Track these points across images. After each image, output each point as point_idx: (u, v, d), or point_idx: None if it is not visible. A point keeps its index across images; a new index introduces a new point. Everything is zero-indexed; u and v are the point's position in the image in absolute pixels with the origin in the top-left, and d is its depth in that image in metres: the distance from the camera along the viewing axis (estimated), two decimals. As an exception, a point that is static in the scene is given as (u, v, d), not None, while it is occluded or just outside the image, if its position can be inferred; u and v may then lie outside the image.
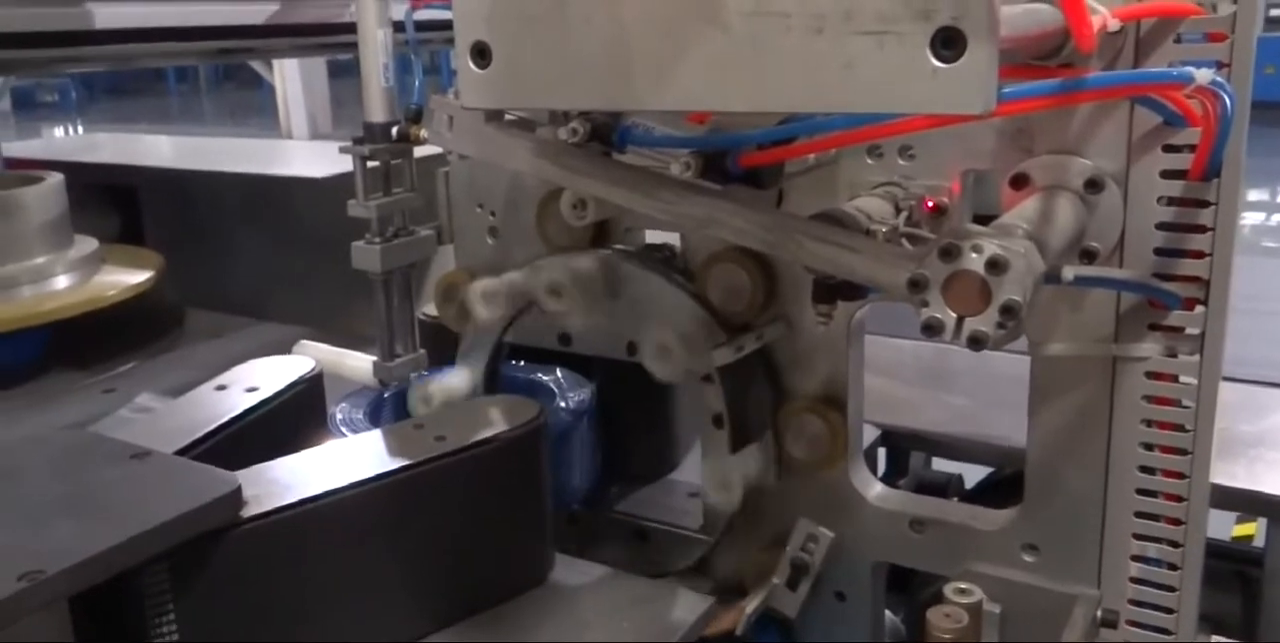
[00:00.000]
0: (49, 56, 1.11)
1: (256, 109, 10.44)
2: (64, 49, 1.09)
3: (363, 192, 1.00)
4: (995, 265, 0.54)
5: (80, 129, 10.86)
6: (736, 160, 0.69)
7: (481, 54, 0.58)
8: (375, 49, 0.97)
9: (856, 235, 0.64)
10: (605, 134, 0.72)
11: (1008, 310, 0.54)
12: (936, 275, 0.55)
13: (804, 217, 0.67)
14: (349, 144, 1.00)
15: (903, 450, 1.23)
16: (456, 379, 0.93)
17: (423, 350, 1.07)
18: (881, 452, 1.19)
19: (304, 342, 1.10)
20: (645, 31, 0.53)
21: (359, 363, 1.06)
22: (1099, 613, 0.75)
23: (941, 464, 1.29)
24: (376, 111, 0.99)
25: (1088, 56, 0.62)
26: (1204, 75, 0.57)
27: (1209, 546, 0.74)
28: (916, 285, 0.56)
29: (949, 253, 0.55)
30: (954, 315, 0.55)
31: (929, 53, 0.47)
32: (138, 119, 11.07)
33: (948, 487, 1.25)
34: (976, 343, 0.55)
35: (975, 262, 0.54)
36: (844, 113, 0.63)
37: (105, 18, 1.09)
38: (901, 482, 1.21)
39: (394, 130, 0.99)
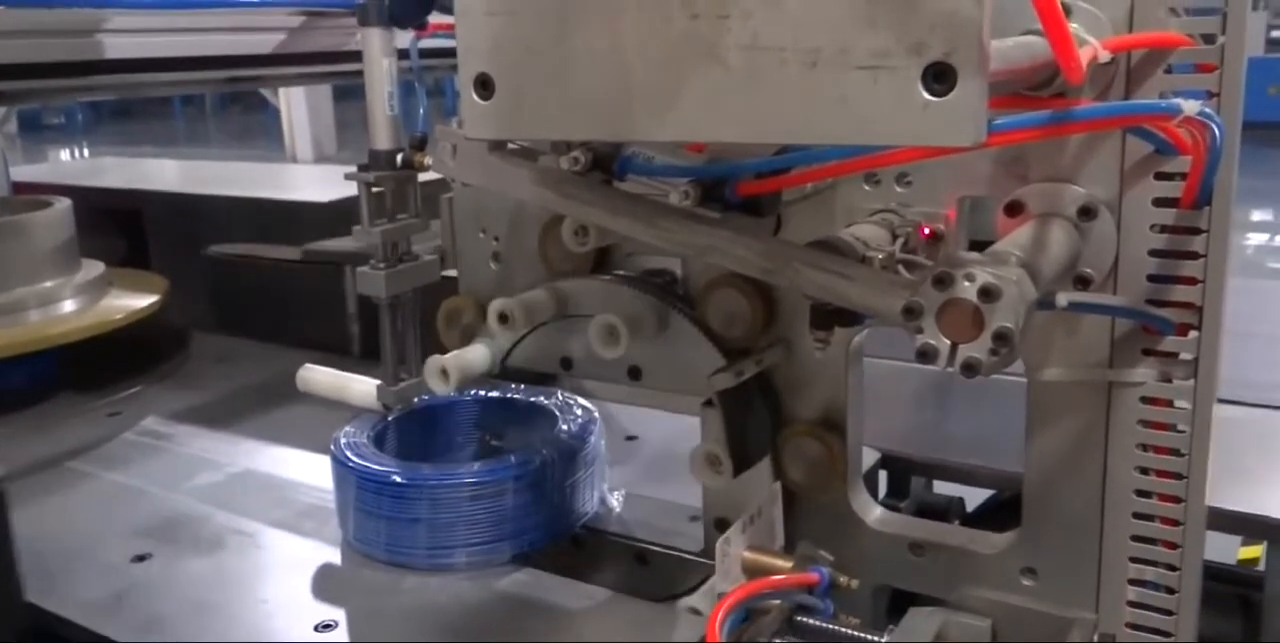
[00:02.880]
0: (59, 86, 1.12)
1: (262, 131, 10.52)
2: (73, 79, 1.11)
3: (367, 218, 1.01)
4: (988, 293, 0.55)
5: (86, 152, 10.92)
6: (734, 189, 0.70)
7: (484, 85, 0.59)
8: (381, 78, 0.98)
9: (852, 263, 0.65)
10: (606, 163, 0.73)
11: (1000, 337, 0.55)
12: (930, 303, 0.56)
13: (801, 245, 0.68)
14: (354, 170, 1.02)
15: (903, 473, 1.24)
16: (474, 353, 0.91)
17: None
18: (883, 474, 1.19)
19: (308, 365, 1.11)
20: (645, 65, 0.54)
21: (363, 387, 1.07)
22: (1096, 637, 0.75)
23: (944, 487, 1.29)
24: (381, 139, 1.00)
25: (1079, 87, 0.63)
26: (1191, 107, 0.58)
27: (1210, 569, 0.75)
28: (911, 313, 0.57)
29: (942, 281, 0.56)
30: (948, 342, 0.56)
31: (920, 87, 0.48)
32: (144, 141, 11.14)
33: (949, 510, 1.25)
34: (970, 370, 0.56)
35: (968, 290, 0.55)
36: (838, 144, 0.64)
37: (115, 48, 1.11)
38: (903, 504, 1.22)
39: (398, 157, 1.00)
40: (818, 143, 0.63)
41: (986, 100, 0.48)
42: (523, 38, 0.58)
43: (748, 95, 0.52)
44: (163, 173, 2.73)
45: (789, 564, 0.78)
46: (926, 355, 0.57)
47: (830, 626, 0.75)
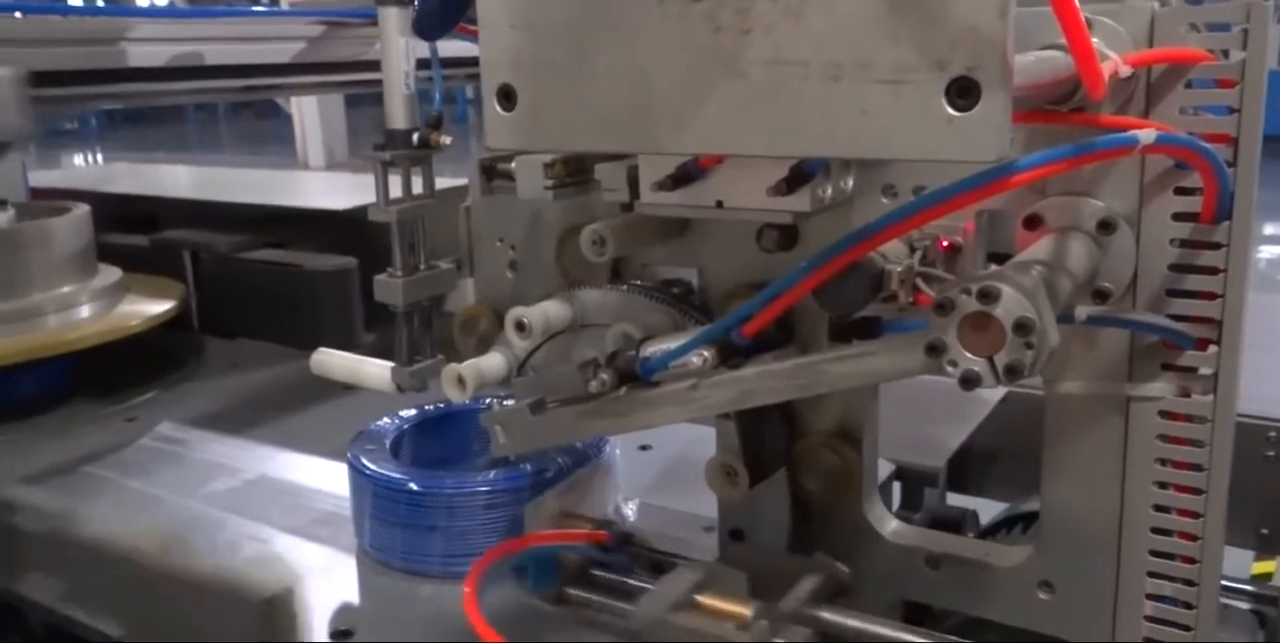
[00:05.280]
0: (78, 94, 1.13)
1: (274, 137, 10.54)
2: (92, 87, 1.12)
3: (384, 197, 1.01)
4: (986, 295, 0.55)
5: (100, 157, 10.97)
6: (741, 335, 0.71)
7: (507, 97, 0.60)
8: (397, 57, 0.98)
9: (865, 343, 0.67)
10: (631, 372, 0.75)
11: (1021, 327, 0.55)
12: (946, 333, 0.57)
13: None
14: (370, 177, 1.02)
15: (917, 484, 1.23)
16: (491, 362, 0.89)
17: (441, 356, 1.07)
18: (896, 485, 1.19)
19: (321, 349, 1.11)
20: (666, 78, 0.55)
21: (376, 370, 1.06)
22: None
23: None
24: (398, 118, 1.00)
25: (1099, 102, 0.63)
26: (1147, 136, 0.58)
27: (1225, 584, 0.74)
28: (935, 350, 0.57)
29: (943, 306, 0.56)
30: (983, 360, 0.56)
31: (944, 101, 0.48)
32: (157, 147, 11.19)
33: (963, 522, 1.25)
34: (1014, 372, 0.55)
35: (969, 302, 0.56)
36: (860, 157, 0.64)
37: (135, 57, 1.12)
38: (916, 516, 1.21)
39: (415, 136, 1.00)
40: (839, 156, 0.63)
41: (1010, 115, 0.48)
42: (545, 50, 0.58)
43: (770, 108, 0.52)
44: (176, 179, 2.75)
45: (588, 525, 0.89)
46: (970, 381, 0.56)
47: (617, 577, 0.88)
